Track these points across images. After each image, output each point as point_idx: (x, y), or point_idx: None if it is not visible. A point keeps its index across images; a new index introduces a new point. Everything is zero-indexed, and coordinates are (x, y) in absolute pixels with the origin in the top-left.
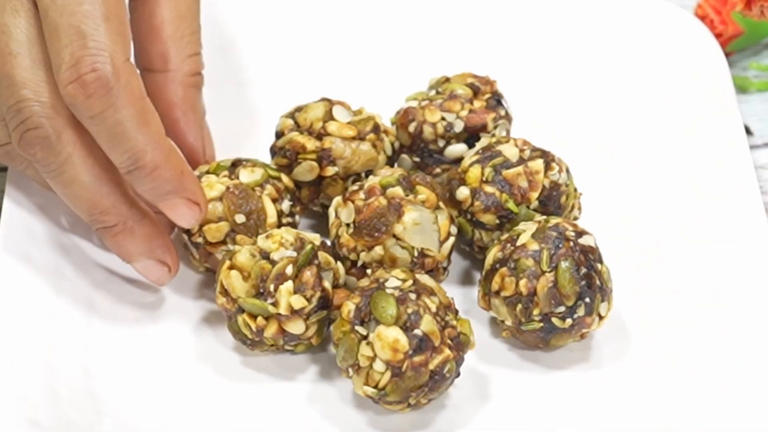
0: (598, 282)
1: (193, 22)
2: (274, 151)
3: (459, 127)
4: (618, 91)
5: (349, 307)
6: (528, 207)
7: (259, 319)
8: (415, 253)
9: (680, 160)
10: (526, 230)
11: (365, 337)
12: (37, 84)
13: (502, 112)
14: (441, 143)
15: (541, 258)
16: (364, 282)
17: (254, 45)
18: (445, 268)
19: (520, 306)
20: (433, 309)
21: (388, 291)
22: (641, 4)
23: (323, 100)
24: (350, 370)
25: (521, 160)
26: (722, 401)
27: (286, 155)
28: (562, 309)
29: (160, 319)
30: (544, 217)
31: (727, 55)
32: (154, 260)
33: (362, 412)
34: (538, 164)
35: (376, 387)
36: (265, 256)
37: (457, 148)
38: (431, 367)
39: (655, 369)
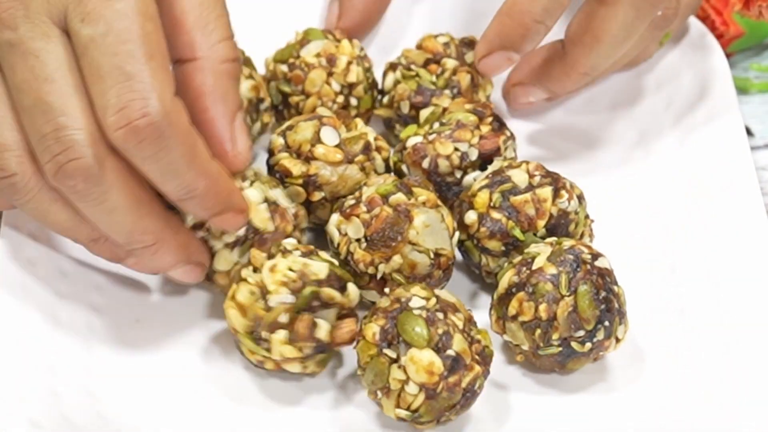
0: (616, 305)
1: (217, 7)
2: (270, 166)
3: (474, 155)
4: (618, 93)
5: (373, 330)
6: (535, 234)
7: (257, 356)
8: (431, 255)
9: (681, 161)
10: (540, 253)
11: (395, 360)
12: (75, 110)
13: (508, 133)
14: (458, 174)
15: (560, 282)
16: (385, 303)
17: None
18: (452, 264)
19: (539, 331)
20: (461, 326)
21: (416, 312)
22: None
23: (315, 118)
24: (379, 393)
25: (530, 187)
26: (737, 418)
27: (275, 176)
28: (581, 333)
29: (163, 320)
30: (555, 238)
31: (727, 56)
32: (191, 264)
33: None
34: (546, 192)
35: (408, 409)
36: (264, 295)
37: (474, 176)
38: (464, 385)
39: (671, 389)
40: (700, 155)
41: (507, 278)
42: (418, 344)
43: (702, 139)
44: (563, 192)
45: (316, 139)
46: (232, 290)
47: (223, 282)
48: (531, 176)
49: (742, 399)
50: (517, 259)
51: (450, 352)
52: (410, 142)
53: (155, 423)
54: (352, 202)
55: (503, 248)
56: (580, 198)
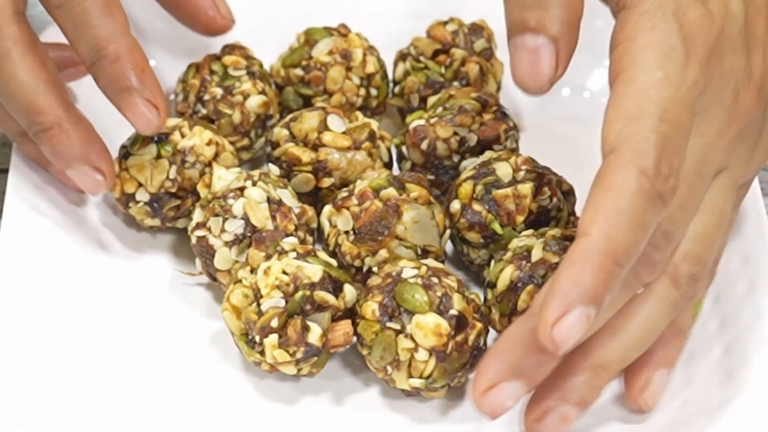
0: None
1: None
2: (271, 160)
3: (473, 140)
4: None
5: (372, 307)
6: (514, 229)
7: (254, 357)
8: (418, 251)
9: None
10: (532, 245)
11: (401, 331)
12: None
13: (511, 124)
14: (456, 158)
15: None
16: (377, 280)
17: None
18: (443, 261)
19: None
20: (456, 287)
21: (411, 281)
22: None
23: (318, 108)
24: (389, 368)
25: (513, 181)
26: (737, 419)
27: (282, 166)
28: None
29: (163, 319)
30: (536, 230)
31: None
32: (90, 166)
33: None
34: (527, 188)
35: (421, 377)
36: (257, 298)
37: (471, 162)
38: (470, 343)
39: (671, 389)
40: None
41: (507, 274)
42: (421, 310)
43: None
44: (545, 189)
45: (323, 127)
46: (228, 291)
47: (225, 281)
48: (516, 170)
49: (742, 399)
50: (508, 255)
51: (452, 312)
52: (412, 125)
53: (156, 422)
54: (345, 194)
55: (482, 240)
56: (567, 195)
